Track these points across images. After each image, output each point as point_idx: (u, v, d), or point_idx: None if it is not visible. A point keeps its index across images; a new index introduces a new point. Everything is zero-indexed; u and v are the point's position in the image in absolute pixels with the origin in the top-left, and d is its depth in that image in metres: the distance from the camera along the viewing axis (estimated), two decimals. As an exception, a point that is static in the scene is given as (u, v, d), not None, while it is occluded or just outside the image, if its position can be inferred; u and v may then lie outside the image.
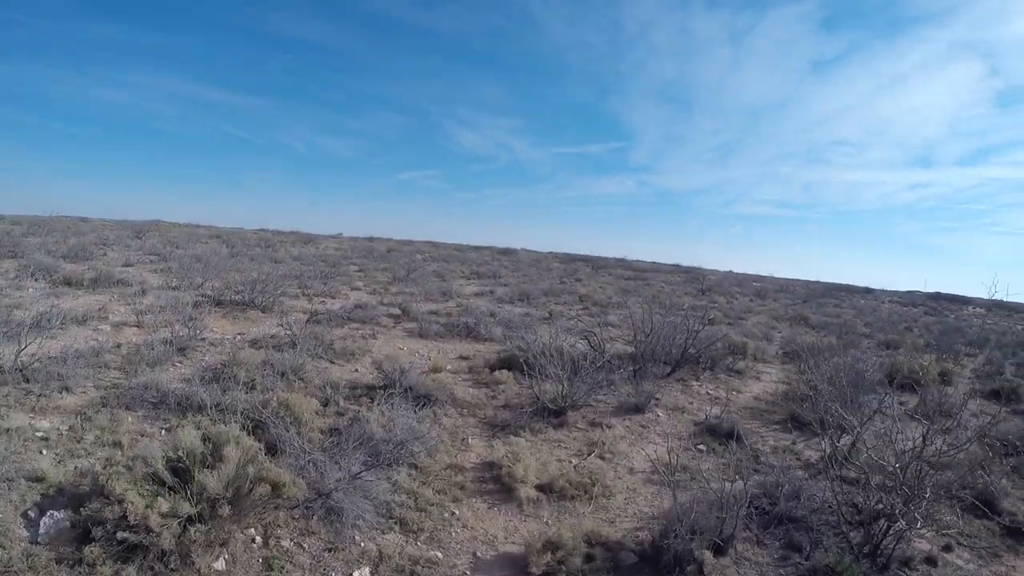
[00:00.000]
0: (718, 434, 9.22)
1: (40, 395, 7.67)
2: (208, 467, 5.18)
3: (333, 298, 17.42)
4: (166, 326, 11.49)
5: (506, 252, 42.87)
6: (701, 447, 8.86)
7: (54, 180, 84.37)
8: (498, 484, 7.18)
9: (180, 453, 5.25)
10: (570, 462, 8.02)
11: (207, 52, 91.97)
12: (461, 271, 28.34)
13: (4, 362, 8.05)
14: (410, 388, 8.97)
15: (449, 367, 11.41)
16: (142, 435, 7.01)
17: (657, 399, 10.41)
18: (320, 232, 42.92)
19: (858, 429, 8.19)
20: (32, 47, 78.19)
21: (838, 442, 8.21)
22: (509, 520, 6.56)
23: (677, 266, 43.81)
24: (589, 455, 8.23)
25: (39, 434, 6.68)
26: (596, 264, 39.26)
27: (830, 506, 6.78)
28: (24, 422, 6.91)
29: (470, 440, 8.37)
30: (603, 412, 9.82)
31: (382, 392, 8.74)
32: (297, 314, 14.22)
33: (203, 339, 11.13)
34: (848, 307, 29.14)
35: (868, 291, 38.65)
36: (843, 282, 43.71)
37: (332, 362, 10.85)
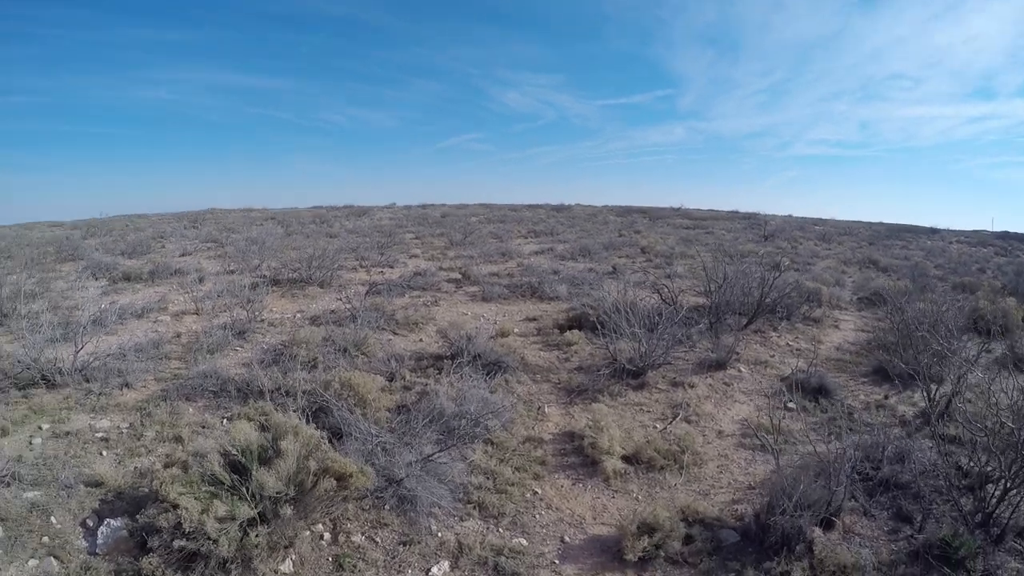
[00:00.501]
0: (806, 390, 8.35)
1: (100, 393, 7.39)
2: (266, 463, 4.71)
3: (391, 267, 16.98)
4: (225, 311, 11.19)
5: (561, 208, 41.77)
6: (791, 405, 8.02)
7: (111, 184, 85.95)
8: (581, 456, 6.60)
9: (236, 449, 4.80)
10: (655, 427, 7.38)
11: (238, 42, 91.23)
12: (518, 231, 27.57)
13: (63, 364, 7.76)
14: (478, 355, 8.43)
15: (516, 330, 10.82)
16: (203, 427, 6.65)
17: (737, 354, 9.59)
18: (373, 203, 42.63)
19: (956, 382, 7.51)
20: (65, 58, 79.03)
21: (935, 395, 7.47)
22: (596, 497, 5.97)
23: (735, 212, 41.77)
24: (674, 419, 7.55)
25: (99, 435, 6.38)
26: (653, 215, 37.77)
27: (935, 469, 6.00)
28: (84, 423, 6.62)
29: (546, 408, 7.79)
30: (682, 370, 9.09)
31: (450, 362, 8.23)
32: (356, 287, 13.82)
33: (262, 320, 10.80)
34: (916, 248, 27.23)
35: (934, 231, 36.07)
36: (906, 223, 41.25)
37: (395, 333, 10.38)
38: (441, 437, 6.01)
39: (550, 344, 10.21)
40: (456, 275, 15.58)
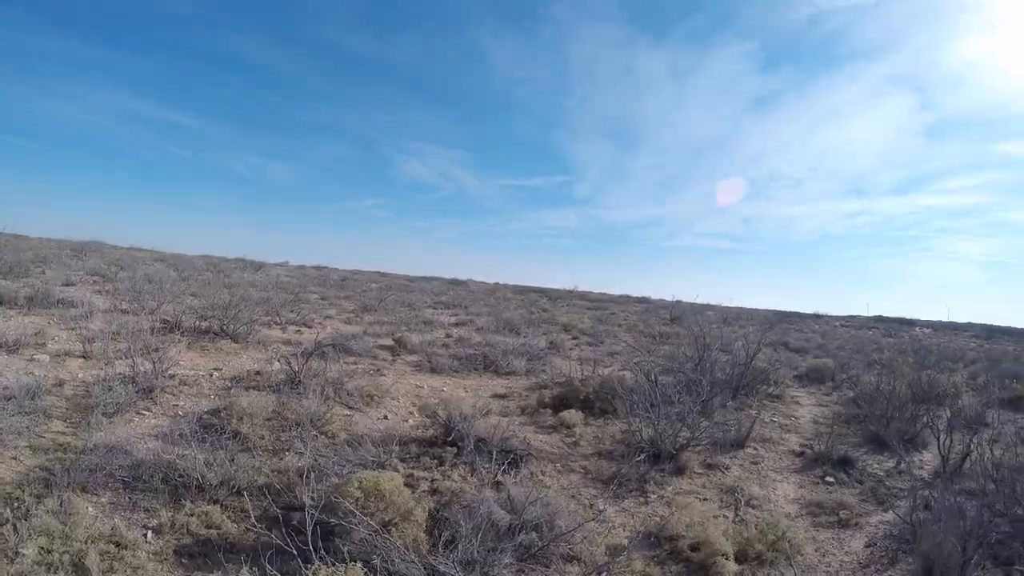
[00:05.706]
0: (832, 462, 7.94)
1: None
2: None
3: (308, 327, 14.45)
4: (122, 357, 8.51)
5: (456, 283, 40.08)
6: (829, 479, 7.54)
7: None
8: (682, 562, 5.16)
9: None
10: (725, 516, 6.15)
11: (151, 67, 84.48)
12: (424, 301, 25.46)
13: None
14: (482, 440, 6.36)
15: (493, 408, 8.72)
16: (116, 543, 4.16)
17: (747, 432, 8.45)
18: (266, 259, 39.14)
19: (968, 444, 7.72)
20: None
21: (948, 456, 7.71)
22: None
23: (627, 296, 41.78)
24: (739, 506, 6.38)
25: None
26: (552, 295, 36.84)
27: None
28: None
29: (600, 505, 6.10)
30: (703, 451, 7.75)
31: (452, 448, 6.11)
32: (277, 344, 11.34)
33: (172, 376, 8.19)
34: (809, 332, 27.63)
35: (818, 316, 37.55)
36: (788, 309, 42.63)
37: (350, 407, 8.07)
38: (512, 562, 3.89)
39: (542, 426, 8.34)
40: (387, 342, 13.30)
